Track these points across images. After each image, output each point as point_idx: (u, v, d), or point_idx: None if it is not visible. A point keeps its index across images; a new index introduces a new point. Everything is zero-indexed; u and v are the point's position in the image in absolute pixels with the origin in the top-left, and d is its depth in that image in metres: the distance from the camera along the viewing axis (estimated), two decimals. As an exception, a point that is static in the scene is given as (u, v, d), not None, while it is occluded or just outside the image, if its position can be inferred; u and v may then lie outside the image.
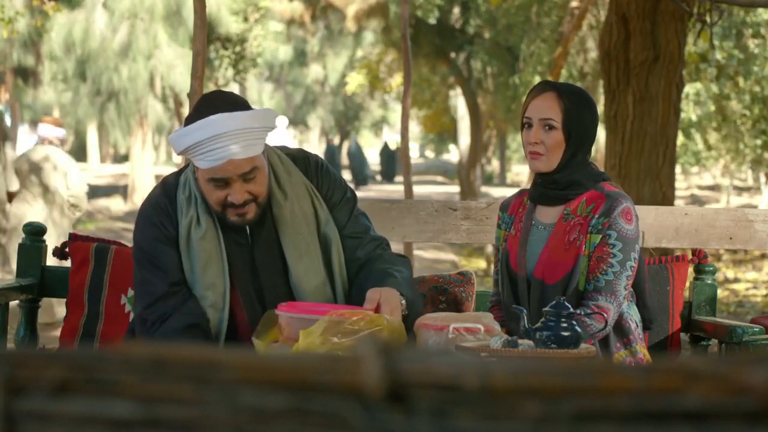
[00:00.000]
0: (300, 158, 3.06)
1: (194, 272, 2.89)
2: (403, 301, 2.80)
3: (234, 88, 21.69)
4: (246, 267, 2.94)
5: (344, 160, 36.55)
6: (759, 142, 17.00)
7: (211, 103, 2.84)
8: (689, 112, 16.41)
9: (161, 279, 2.90)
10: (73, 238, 3.52)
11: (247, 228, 2.94)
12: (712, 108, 16.15)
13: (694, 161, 19.05)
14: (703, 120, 16.81)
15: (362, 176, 30.75)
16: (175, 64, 18.55)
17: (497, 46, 17.01)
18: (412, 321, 2.83)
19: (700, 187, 29.90)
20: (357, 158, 31.53)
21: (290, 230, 2.94)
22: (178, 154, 2.94)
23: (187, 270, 2.90)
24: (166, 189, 2.99)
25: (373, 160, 39.90)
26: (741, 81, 14.85)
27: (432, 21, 16.83)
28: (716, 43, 11.88)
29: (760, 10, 12.62)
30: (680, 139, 17.38)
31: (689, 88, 15.57)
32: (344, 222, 3.03)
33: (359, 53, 31.43)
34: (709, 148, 18.20)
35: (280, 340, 2.69)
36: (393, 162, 35.55)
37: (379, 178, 35.75)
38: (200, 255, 2.88)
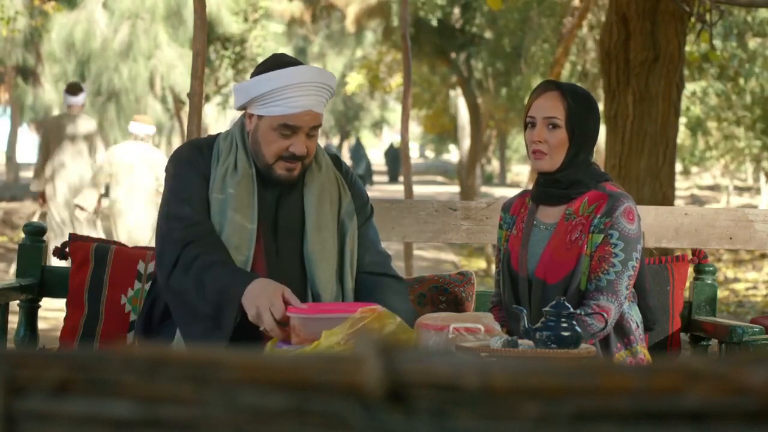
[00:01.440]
0: (333, 156, 3.19)
1: (225, 214, 2.94)
2: None
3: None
4: (270, 223, 3.00)
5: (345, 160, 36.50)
6: (759, 143, 17.01)
7: (287, 59, 3.00)
8: (696, 111, 16.42)
9: (194, 208, 2.94)
10: (73, 238, 3.52)
11: (277, 190, 3.01)
12: (713, 103, 16.14)
13: (697, 159, 19.05)
14: (704, 121, 16.81)
15: (365, 176, 30.89)
16: (175, 64, 18.56)
17: (500, 47, 17.02)
18: None
19: (700, 187, 29.91)
20: (359, 159, 31.62)
21: (316, 200, 3.02)
22: (240, 107, 3.00)
23: (216, 212, 2.94)
24: (209, 139, 3.09)
25: (373, 160, 39.90)
26: (742, 81, 14.85)
27: (434, 22, 16.83)
28: (718, 43, 11.89)
29: (762, 10, 12.61)
30: (686, 138, 17.39)
31: (695, 86, 15.57)
32: (359, 226, 3.11)
33: (359, 53, 31.43)
34: (709, 148, 18.19)
35: (295, 342, 2.68)
36: (397, 162, 35.64)
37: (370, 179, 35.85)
38: (234, 197, 2.94)
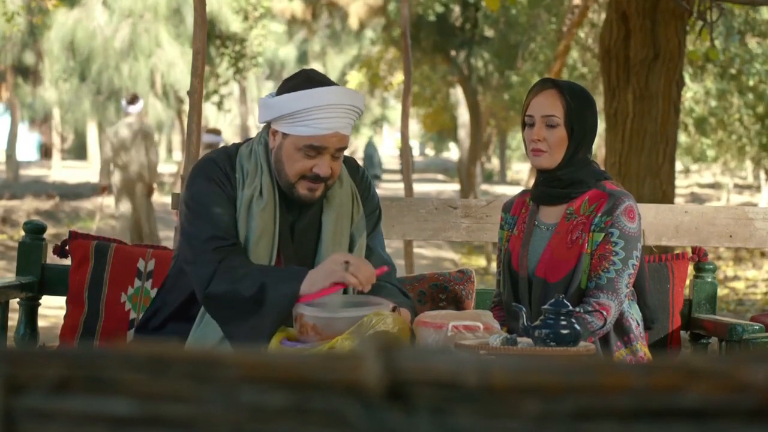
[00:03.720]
0: (352, 164, 3.14)
1: (249, 242, 2.91)
2: None
3: (234, 86, 21.72)
4: (290, 243, 2.98)
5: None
6: (761, 141, 17.01)
7: (318, 77, 2.93)
8: (700, 111, 16.41)
9: (213, 227, 2.88)
10: (73, 236, 3.52)
11: (291, 210, 2.98)
12: (714, 103, 16.14)
13: (699, 158, 19.04)
14: (704, 121, 16.81)
15: (376, 176, 31.16)
16: (175, 62, 18.56)
17: (501, 45, 17.01)
18: None
19: (701, 185, 29.91)
20: (372, 159, 31.85)
21: (334, 217, 3.00)
22: (265, 121, 2.94)
23: (242, 239, 2.91)
24: (228, 155, 3.00)
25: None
26: (744, 79, 14.86)
27: (432, 18, 16.83)
28: (719, 42, 11.88)
29: (763, 11, 12.61)
30: (689, 136, 17.39)
31: (698, 87, 15.57)
32: (367, 233, 3.09)
33: (360, 51, 31.45)
34: (717, 143, 18.18)
35: (318, 340, 2.67)
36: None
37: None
38: (258, 226, 2.91)
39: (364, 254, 3.05)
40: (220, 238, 2.88)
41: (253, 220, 2.91)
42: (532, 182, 3.28)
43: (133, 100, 11.52)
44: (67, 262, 3.52)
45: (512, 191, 3.45)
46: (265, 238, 2.91)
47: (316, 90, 2.84)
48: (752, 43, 14.17)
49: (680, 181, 27.84)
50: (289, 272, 2.82)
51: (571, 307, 2.73)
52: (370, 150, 32.78)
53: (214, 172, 2.95)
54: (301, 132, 2.85)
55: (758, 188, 25.69)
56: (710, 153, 18.77)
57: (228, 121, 31.89)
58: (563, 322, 2.69)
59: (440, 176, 38.02)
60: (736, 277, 12.68)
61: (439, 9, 16.85)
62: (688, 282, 3.61)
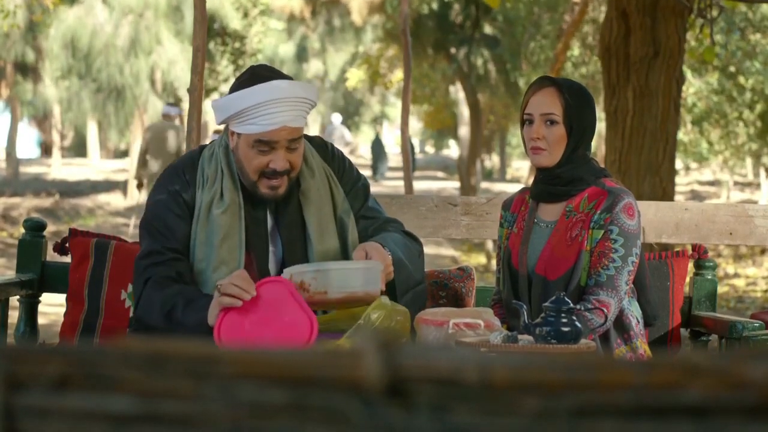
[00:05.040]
0: (319, 144, 3.14)
1: (212, 245, 2.91)
2: (389, 256, 2.84)
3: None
4: (263, 245, 2.98)
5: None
6: (761, 138, 17.03)
7: (264, 72, 2.94)
8: (701, 106, 16.41)
9: (161, 241, 2.92)
10: (73, 233, 3.52)
11: (268, 208, 2.98)
12: (716, 98, 16.14)
13: (699, 157, 19.06)
14: (703, 117, 16.82)
15: (381, 171, 31.10)
16: (175, 59, 18.56)
17: (513, 43, 17.01)
18: (401, 285, 2.87)
19: (701, 183, 29.90)
20: (379, 155, 31.81)
21: (314, 207, 3.00)
22: (221, 122, 2.96)
23: (203, 242, 2.92)
24: (192, 159, 3.03)
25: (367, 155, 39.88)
26: (742, 79, 14.86)
27: (433, 5, 16.83)
28: (720, 38, 11.88)
29: (763, 6, 12.61)
30: (689, 132, 17.40)
31: (700, 83, 15.57)
32: (358, 207, 3.09)
33: (360, 49, 31.42)
34: (710, 143, 18.19)
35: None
36: (414, 158, 35.78)
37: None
38: (219, 229, 2.91)
39: (362, 226, 3.04)
40: (157, 253, 2.90)
41: (213, 224, 2.91)
42: (531, 180, 3.28)
43: (171, 103, 12.76)
44: (67, 259, 3.52)
45: (512, 189, 3.45)
46: (229, 241, 2.90)
47: (257, 87, 2.84)
48: (752, 38, 14.17)
49: (680, 179, 27.84)
50: (198, 303, 2.79)
51: (572, 305, 2.73)
52: (378, 150, 32.59)
53: (172, 182, 2.98)
54: (249, 130, 2.86)
55: (758, 186, 25.69)
56: (708, 151, 18.76)
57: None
58: (564, 320, 2.69)
59: (440, 174, 38.02)
60: (736, 275, 12.68)
61: (435, 6, 16.85)
62: (688, 279, 3.61)
